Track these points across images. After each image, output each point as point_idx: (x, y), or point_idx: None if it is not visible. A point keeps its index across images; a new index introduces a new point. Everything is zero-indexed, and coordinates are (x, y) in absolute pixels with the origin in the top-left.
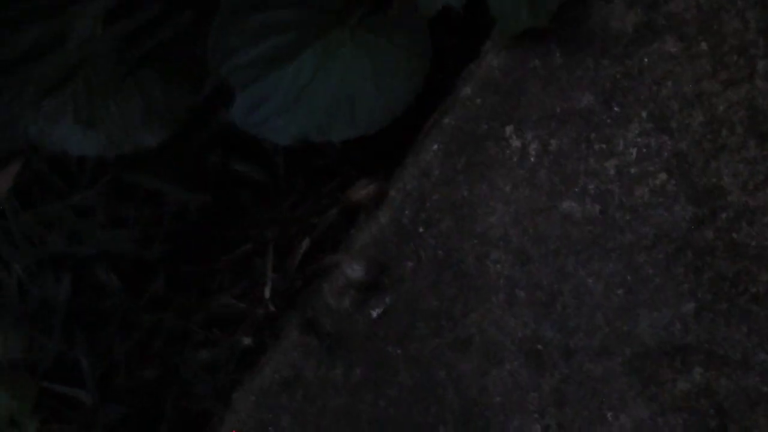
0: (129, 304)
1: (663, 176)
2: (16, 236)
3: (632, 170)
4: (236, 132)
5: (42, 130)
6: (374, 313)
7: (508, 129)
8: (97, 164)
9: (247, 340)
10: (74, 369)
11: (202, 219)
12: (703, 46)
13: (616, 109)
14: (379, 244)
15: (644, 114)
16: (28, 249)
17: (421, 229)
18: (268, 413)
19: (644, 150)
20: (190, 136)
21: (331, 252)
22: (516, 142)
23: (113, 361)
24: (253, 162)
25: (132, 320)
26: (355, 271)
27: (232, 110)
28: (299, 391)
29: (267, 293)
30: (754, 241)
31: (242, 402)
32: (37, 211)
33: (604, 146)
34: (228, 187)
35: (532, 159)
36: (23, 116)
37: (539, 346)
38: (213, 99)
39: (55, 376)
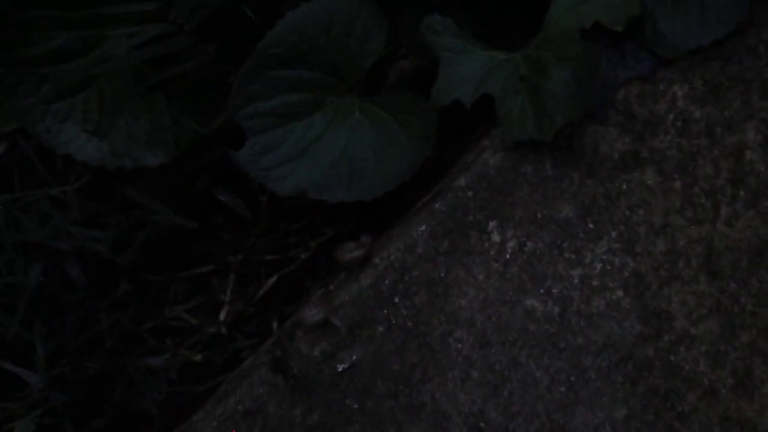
0: (91, 302)
1: (620, 293)
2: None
3: (594, 282)
4: (227, 166)
5: (49, 129)
6: (340, 367)
7: (492, 224)
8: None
9: (197, 356)
10: (26, 352)
11: (172, 232)
12: (677, 184)
13: (590, 224)
14: (357, 304)
15: (614, 234)
16: (4, 230)
17: (396, 299)
18: None
19: (608, 266)
20: (185, 161)
21: (293, 294)
22: (496, 237)
23: (64, 351)
24: (238, 195)
25: (90, 317)
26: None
27: (240, 152)
28: (259, 423)
29: (222, 315)
30: (688, 365)
31: (204, 425)
32: (15, 195)
33: (573, 256)
34: (205, 209)
35: (508, 255)
36: (32, 112)
37: (482, 424)
38: (217, 133)
39: (4, 355)
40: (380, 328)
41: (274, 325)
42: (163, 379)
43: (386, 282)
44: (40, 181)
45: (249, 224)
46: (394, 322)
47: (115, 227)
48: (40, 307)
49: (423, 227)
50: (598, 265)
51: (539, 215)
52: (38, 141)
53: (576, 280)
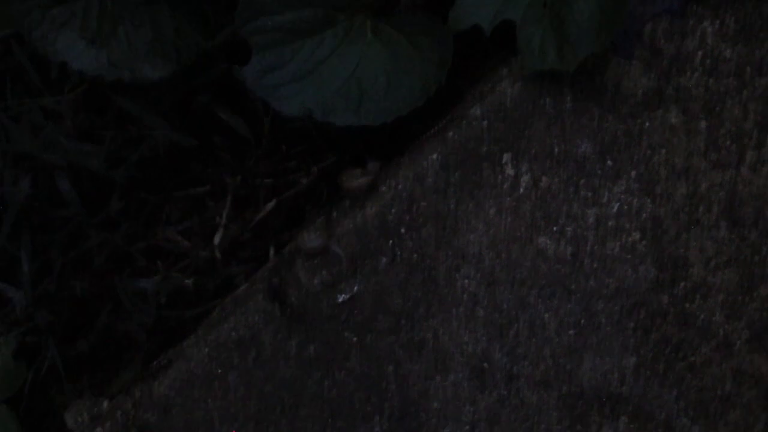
0: (81, 218)
1: (636, 236)
2: None
3: (610, 223)
4: (229, 84)
5: (45, 35)
6: (340, 298)
7: (506, 156)
8: (77, 73)
9: (189, 280)
10: (9, 268)
11: (169, 149)
12: (702, 124)
13: (609, 162)
14: (361, 234)
15: (633, 174)
16: None
17: (403, 230)
18: (218, 368)
19: (625, 207)
20: (186, 76)
21: (292, 221)
22: (510, 171)
23: (50, 269)
24: (239, 115)
25: (79, 234)
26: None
27: (245, 69)
28: (252, 353)
29: (217, 239)
30: (703, 315)
31: (194, 351)
32: (7, 104)
33: (589, 194)
34: (205, 128)
35: (521, 190)
36: (29, 16)
37: (485, 365)
38: (220, 49)
39: None
40: (384, 260)
41: (271, 251)
42: (152, 303)
43: (392, 212)
44: (33, 90)
45: (249, 145)
46: (398, 254)
47: (109, 141)
48: (28, 222)
49: (434, 156)
50: (615, 206)
51: (556, 150)
52: (34, 48)
53: (591, 220)
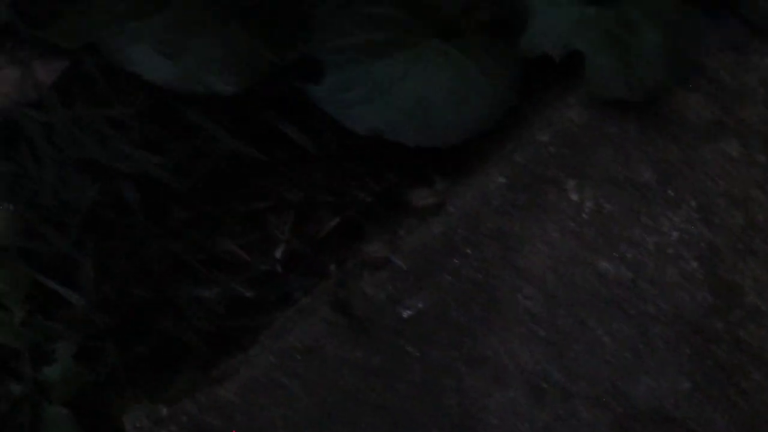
0: (144, 227)
1: (694, 264)
2: (60, 131)
3: (669, 250)
4: (294, 101)
5: (121, 48)
6: (405, 313)
7: (571, 182)
8: (144, 84)
9: (249, 292)
10: (72, 272)
11: (233, 163)
12: (761, 158)
13: (670, 192)
14: (427, 251)
15: (693, 203)
16: (63, 147)
17: (468, 249)
18: (283, 376)
19: (685, 236)
20: (255, 91)
21: (358, 237)
22: (574, 196)
23: (110, 275)
24: (303, 131)
25: (141, 242)
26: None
27: (317, 87)
28: (316, 362)
29: (279, 254)
30: (757, 342)
31: (260, 360)
32: (75, 113)
33: (650, 222)
34: (269, 144)
35: (585, 215)
36: (106, 28)
37: (543, 383)
38: (290, 67)
39: (50, 274)
40: (448, 278)
41: (332, 266)
42: (212, 312)
43: (458, 231)
44: (101, 101)
45: (311, 162)
46: (463, 272)
47: (175, 153)
48: (92, 228)
49: (501, 179)
50: (675, 234)
51: (620, 177)
52: (107, 59)
53: (651, 247)
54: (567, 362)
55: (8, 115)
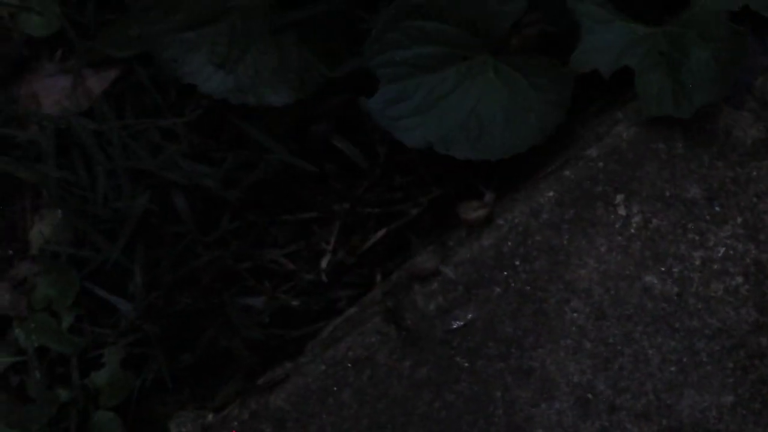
0: (193, 236)
1: (740, 279)
2: (111, 140)
3: (715, 266)
4: (345, 114)
5: (176, 57)
6: (455, 324)
7: (619, 197)
8: (195, 95)
9: (295, 302)
10: (119, 280)
11: (282, 174)
12: None
13: (716, 208)
14: (476, 263)
15: (739, 220)
16: (115, 156)
17: (517, 262)
18: (334, 384)
19: (731, 252)
20: (307, 104)
21: (403, 249)
22: (622, 211)
23: (158, 283)
24: (354, 144)
25: (189, 251)
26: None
27: (370, 99)
28: (367, 371)
29: (324, 263)
30: None
31: (311, 368)
32: (126, 122)
33: (697, 237)
34: (317, 156)
35: (632, 230)
36: (161, 38)
37: (589, 395)
38: (342, 79)
39: (98, 281)
40: (497, 290)
41: (378, 277)
42: (258, 321)
43: (508, 244)
44: (151, 111)
45: (359, 174)
46: (512, 285)
47: (225, 163)
48: (142, 236)
49: (550, 193)
50: (721, 249)
51: (667, 193)
52: (159, 69)
53: (697, 262)
54: (613, 375)
55: (60, 123)
